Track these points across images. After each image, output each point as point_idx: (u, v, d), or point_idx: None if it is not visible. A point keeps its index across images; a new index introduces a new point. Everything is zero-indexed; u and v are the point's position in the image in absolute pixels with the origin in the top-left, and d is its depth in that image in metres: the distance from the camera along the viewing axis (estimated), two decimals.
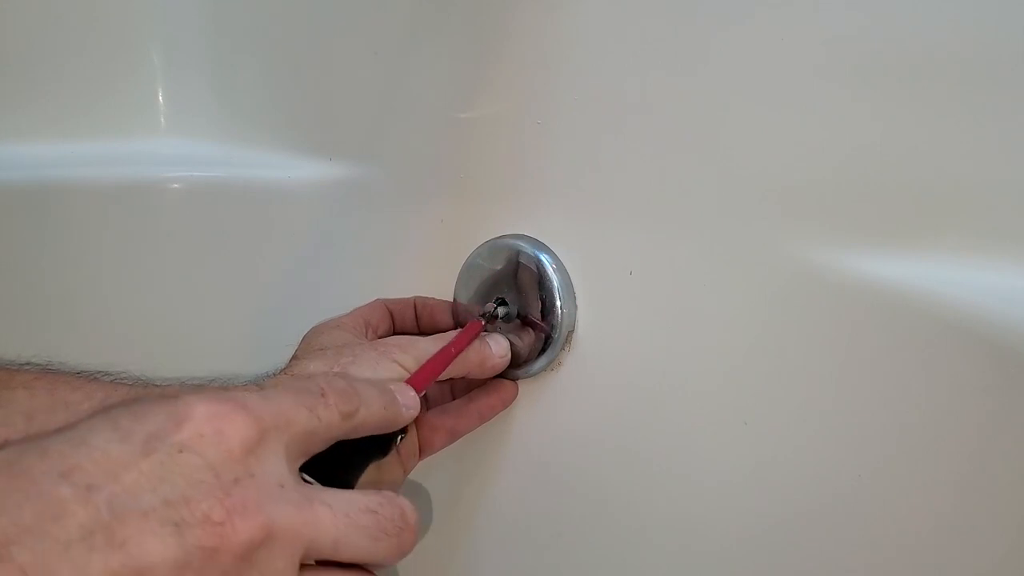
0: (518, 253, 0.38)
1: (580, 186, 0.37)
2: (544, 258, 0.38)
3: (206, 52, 0.53)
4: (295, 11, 0.49)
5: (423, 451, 0.36)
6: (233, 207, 0.48)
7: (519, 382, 0.40)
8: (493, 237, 0.40)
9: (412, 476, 0.36)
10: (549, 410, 0.39)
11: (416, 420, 0.36)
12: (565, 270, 0.38)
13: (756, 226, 0.32)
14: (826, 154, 0.30)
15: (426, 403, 0.39)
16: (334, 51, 0.47)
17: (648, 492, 0.36)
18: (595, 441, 0.38)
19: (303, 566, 0.22)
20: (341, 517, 0.23)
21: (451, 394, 0.40)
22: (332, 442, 0.26)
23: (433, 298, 0.40)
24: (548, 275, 0.37)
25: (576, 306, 0.38)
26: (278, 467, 0.22)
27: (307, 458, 0.25)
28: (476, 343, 0.36)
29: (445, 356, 0.34)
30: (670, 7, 0.33)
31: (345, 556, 0.23)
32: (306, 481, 0.24)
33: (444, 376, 0.34)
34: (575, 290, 0.38)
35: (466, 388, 0.39)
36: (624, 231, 0.36)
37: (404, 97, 0.44)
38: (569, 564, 0.40)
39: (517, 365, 0.38)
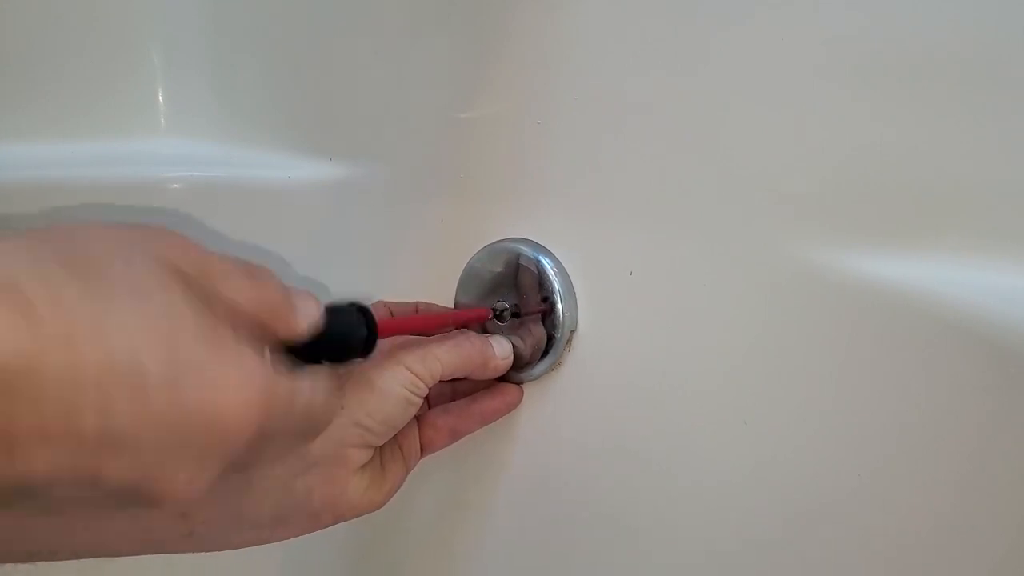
0: (518, 256, 0.38)
1: (580, 186, 0.37)
2: (544, 260, 0.38)
3: (206, 52, 0.53)
4: (295, 11, 0.49)
5: (425, 449, 0.36)
6: (233, 207, 0.48)
7: (521, 385, 0.40)
8: (493, 241, 0.40)
9: (413, 476, 0.36)
10: (550, 411, 0.39)
11: (418, 419, 0.36)
12: (565, 271, 0.38)
13: (756, 226, 0.32)
14: (826, 154, 0.30)
15: (427, 402, 0.39)
16: (334, 51, 0.47)
17: (649, 491, 0.36)
18: (596, 441, 0.38)
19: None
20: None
21: (454, 396, 0.39)
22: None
23: (435, 304, 0.40)
24: (549, 277, 0.37)
25: (577, 307, 0.38)
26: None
27: None
28: (480, 344, 0.36)
29: (440, 319, 0.34)
30: (670, 7, 0.33)
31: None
32: None
33: (447, 376, 0.34)
34: (576, 291, 0.38)
35: (470, 390, 0.39)
36: (624, 231, 0.36)
37: (404, 97, 0.44)
38: (570, 564, 0.40)
39: (519, 367, 0.38)
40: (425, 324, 0.34)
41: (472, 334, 0.37)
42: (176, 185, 0.48)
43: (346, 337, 0.28)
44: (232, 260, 0.24)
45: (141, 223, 0.23)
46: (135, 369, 0.19)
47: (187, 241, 0.23)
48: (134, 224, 0.23)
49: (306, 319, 0.25)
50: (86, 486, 0.19)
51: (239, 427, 0.21)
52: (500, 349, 0.37)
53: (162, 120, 0.54)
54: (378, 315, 0.29)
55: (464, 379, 0.38)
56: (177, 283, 0.21)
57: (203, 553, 0.31)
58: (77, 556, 0.28)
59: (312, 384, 0.25)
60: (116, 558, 0.29)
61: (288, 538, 0.32)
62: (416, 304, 0.40)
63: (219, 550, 0.31)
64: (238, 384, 0.21)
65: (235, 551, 0.32)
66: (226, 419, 0.20)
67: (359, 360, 0.29)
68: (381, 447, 0.33)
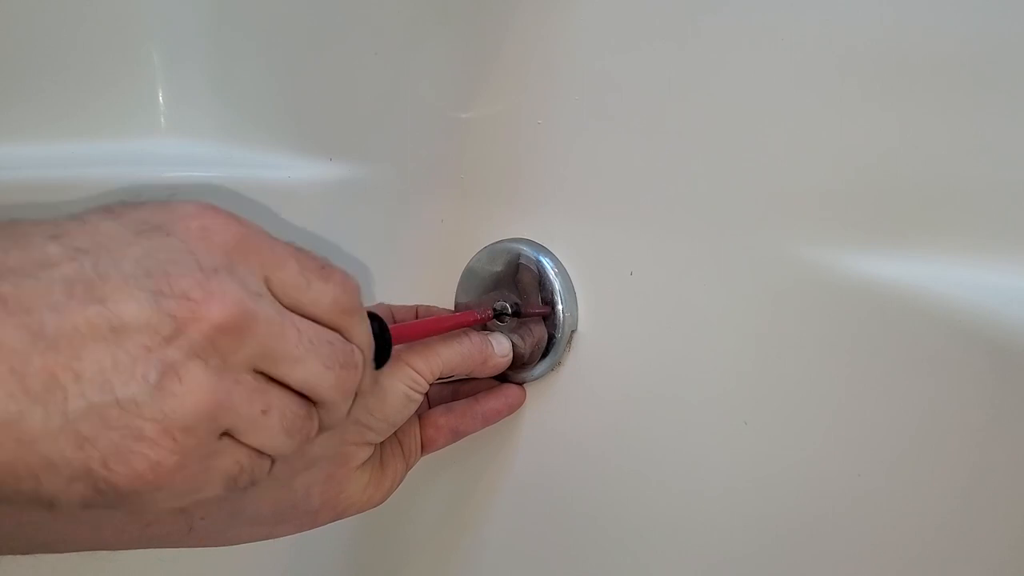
0: (518, 256, 0.38)
1: (580, 186, 0.37)
2: (545, 260, 0.38)
3: (206, 52, 0.53)
4: (295, 11, 0.49)
5: (425, 448, 0.36)
6: (233, 207, 0.48)
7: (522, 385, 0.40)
8: (493, 241, 0.40)
9: (414, 474, 0.36)
10: (551, 410, 0.39)
11: (420, 417, 0.36)
12: (566, 271, 0.38)
13: (756, 226, 0.32)
14: (826, 155, 0.30)
15: (427, 401, 0.39)
16: (334, 51, 0.47)
17: (649, 491, 0.36)
18: (596, 441, 0.38)
19: (255, 372, 0.22)
20: (305, 340, 0.23)
21: (455, 396, 0.39)
22: None
23: (434, 306, 0.40)
24: (549, 277, 0.37)
25: (577, 307, 0.38)
26: (256, 280, 0.23)
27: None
28: (479, 341, 0.36)
29: (445, 322, 0.34)
30: (673, 7, 0.33)
31: (296, 376, 0.23)
32: None
33: (447, 374, 0.34)
34: (576, 291, 0.38)
35: (472, 391, 0.39)
36: (624, 231, 0.36)
37: (404, 97, 0.44)
38: (570, 563, 0.40)
39: (520, 367, 0.38)
40: (432, 329, 0.34)
41: (472, 332, 0.37)
42: (176, 185, 0.48)
43: None
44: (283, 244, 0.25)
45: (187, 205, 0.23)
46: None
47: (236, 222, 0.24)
48: (183, 209, 0.23)
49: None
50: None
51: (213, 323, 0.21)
52: (499, 347, 0.37)
53: (162, 120, 0.54)
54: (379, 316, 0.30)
55: (466, 380, 0.38)
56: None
57: (205, 549, 0.31)
58: (77, 550, 0.28)
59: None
60: (121, 555, 0.29)
61: (288, 535, 0.32)
62: (416, 307, 0.40)
63: (218, 546, 0.31)
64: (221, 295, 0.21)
65: (238, 548, 0.32)
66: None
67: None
68: (381, 445, 0.34)
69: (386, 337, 0.29)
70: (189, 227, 0.22)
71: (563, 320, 0.37)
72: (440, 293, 0.41)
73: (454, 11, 0.41)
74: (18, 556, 0.27)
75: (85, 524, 0.28)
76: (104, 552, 0.29)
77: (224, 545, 0.31)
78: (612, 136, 0.36)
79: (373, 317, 0.29)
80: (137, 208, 0.22)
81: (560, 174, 0.38)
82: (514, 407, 0.39)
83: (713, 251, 0.33)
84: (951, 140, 0.28)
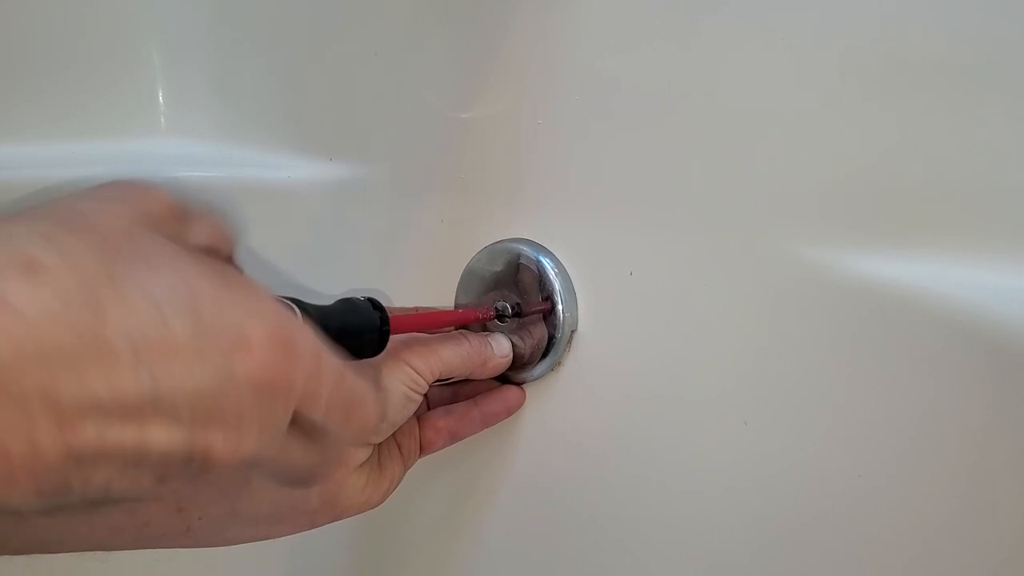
0: (519, 256, 0.38)
1: (580, 186, 0.37)
2: (545, 260, 0.38)
3: (206, 52, 0.53)
4: (295, 11, 0.49)
5: (424, 449, 0.36)
6: (233, 207, 0.48)
7: (522, 385, 0.40)
8: (493, 241, 0.40)
9: (413, 475, 0.36)
10: (551, 411, 0.39)
11: (419, 419, 0.36)
12: (566, 271, 0.38)
13: (757, 226, 0.32)
14: (826, 155, 0.30)
15: (427, 403, 0.39)
16: (334, 51, 0.47)
17: (649, 490, 0.36)
18: (597, 441, 0.38)
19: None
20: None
21: (455, 398, 0.39)
22: None
23: (435, 307, 0.40)
24: (549, 277, 0.37)
25: (577, 307, 0.38)
26: None
27: None
28: (479, 343, 0.36)
29: (444, 317, 0.34)
30: (673, 7, 0.33)
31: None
32: None
33: (447, 375, 0.34)
34: (576, 291, 0.38)
35: (472, 392, 0.39)
36: (624, 231, 0.36)
37: (404, 97, 0.44)
38: (570, 564, 0.40)
39: (520, 367, 0.38)
40: (431, 321, 0.34)
41: (471, 333, 0.37)
42: (176, 185, 0.48)
43: (360, 333, 0.28)
44: (201, 206, 0.24)
45: (118, 180, 0.23)
46: (159, 320, 0.18)
47: (161, 193, 0.23)
48: (114, 184, 0.23)
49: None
50: (135, 459, 0.18)
51: (269, 366, 0.20)
52: (499, 348, 0.37)
53: (162, 120, 0.54)
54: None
55: (466, 380, 0.38)
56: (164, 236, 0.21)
57: (203, 549, 0.31)
58: (73, 550, 0.28)
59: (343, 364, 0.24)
60: (118, 555, 0.29)
61: (286, 535, 0.32)
62: (416, 308, 0.40)
63: (215, 546, 0.31)
64: (254, 314, 0.20)
65: (237, 549, 0.32)
66: (254, 357, 0.20)
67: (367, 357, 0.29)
68: (379, 446, 0.33)
69: (384, 329, 0.29)
70: None
71: (563, 320, 0.37)
72: (440, 293, 0.41)
73: (454, 11, 0.41)
74: (13, 556, 0.27)
75: (81, 524, 0.28)
76: (100, 552, 0.29)
77: (221, 545, 0.31)
78: (612, 136, 0.36)
79: (375, 304, 0.29)
80: None
81: (560, 174, 0.38)
82: (513, 409, 0.39)
83: (713, 251, 0.33)
84: (951, 140, 0.28)
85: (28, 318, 0.16)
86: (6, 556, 0.27)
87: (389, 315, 0.29)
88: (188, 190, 0.25)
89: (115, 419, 0.18)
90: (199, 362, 0.19)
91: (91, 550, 0.29)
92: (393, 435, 0.34)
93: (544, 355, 0.38)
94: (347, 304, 0.28)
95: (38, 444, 0.16)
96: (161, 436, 0.18)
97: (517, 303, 0.38)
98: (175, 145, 0.54)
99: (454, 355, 0.34)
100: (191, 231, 0.23)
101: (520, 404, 0.39)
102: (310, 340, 0.22)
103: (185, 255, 0.21)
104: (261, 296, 0.21)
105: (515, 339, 0.38)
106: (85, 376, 0.17)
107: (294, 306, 0.24)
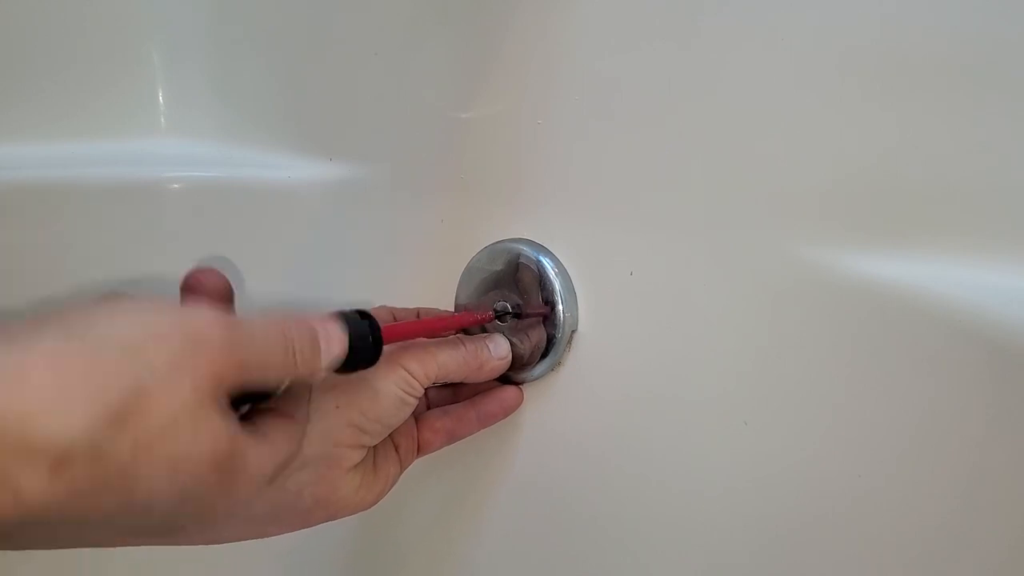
0: (519, 256, 0.38)
1: (580, 186, 0.37)
2: (545, 260, 0.38)
3: (206, 52, 0.53)
4: (295, 11, 0.49)
5: (421, 450, 0.36)
6: (233, 207, 0.48)
7: (522, 385, 0.40)
8: (493, 241, 0.40)
9: (413, 475, 0.36)
10: (551, 411, 0.39)
11: (417, 419, 0.36)
12: (566, 271, 0.38)
13: (756, 226, 0.32)
14: (826, 155, 0.30)
15: (427, 402, 0.39)
16: (334, 51, 0.47)
17: (649, 491, 0.36)
18: (596, 441, 0.38)
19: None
20: None
21: (455, 397, 0.39)
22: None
23: (436, 309, 0.40)
24: (549, 277, 0.37)
25: (577, 307, 0.38)
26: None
27: None
28: (476, 347, 0.36)
29: (442, 322, 0.34)
30: (673, 7, 0.33)
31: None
32: None
33: (443, 378, 0.34)
34: (576, 291, 0.38)
35: (471, 392, 0.39)
36: (624, 231, 0.36)
37: (404, 97, 0.44)
38: (569, 564, 0.40)
39: (520, 368, 0.38)
40: (427, 329, 0.34)
41: (469, 337, 0.37)
42: (176, 185, 0.48)
43: (353, 349, 0.28)
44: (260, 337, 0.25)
45: (187, 315, 0.24)
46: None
47: (227, 354, 0.24)
48: (183, 320, 0.23)
49: (328, 359, 0.27)
50: None
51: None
52: (497, 350, 0.37)
53: (162, 120, 0.54)
54: (381, 320, 0.29)
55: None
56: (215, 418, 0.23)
57: (202, 549, 0.31)
58: (67, 547, 0.28)
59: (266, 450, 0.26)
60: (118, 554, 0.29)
61: (280, 534, 0.32)
62: (417, 310, 0.40)
63: (210, 544, 0.31)
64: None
65: (235, 549, 0.32)
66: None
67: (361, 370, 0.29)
68: (375, 446, 0.33)
69: (376, 336, 0.29)
70: None
71: (563, 320, 0.37)
72: (440, 293, 0.41)
73: (454, 11, 0.41)
74: (9, 552, 0.27)
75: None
76: (99, 550, 0.29)
77: (216, 543, 0.31)
78: (612, 136, 0.36)
79: (364, 315, 0.29)
80: None
81: (560, 174, 0.38)
82: (510, 410, 0.39)
83: (713, 251, 0.33)
84: (951, 140, 0.28)
85: (25, 503, 0.19)
86: (3, 552, 0.27)
87: (383, 324, 0.29)
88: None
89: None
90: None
91: (85, 547, 0.29)
92: (390, 435, 0.34)
93: (544, 355, 0.38)
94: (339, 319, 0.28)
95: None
96: None
97: (517, 303, 0.38)
98: (175, 145, 0.54)
99: (450, 359, 0.34)
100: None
101: (517, 405, 0.39)
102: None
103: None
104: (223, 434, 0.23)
105: (515, 339, 0.38)
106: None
107: None
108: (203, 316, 0.23)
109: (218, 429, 0.23)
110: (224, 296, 0.32)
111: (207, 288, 0.31)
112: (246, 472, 0.25)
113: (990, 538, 0.26)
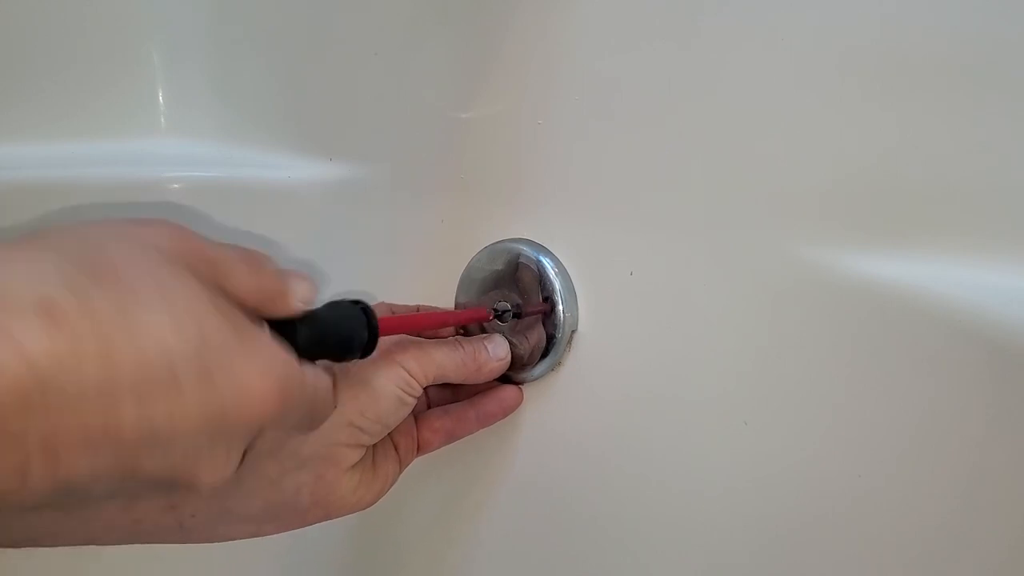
0: (519, 256, 0.38)
1: (580, 185, 0.37)
2: (545, 260, 0.38)
3: (206, 52, 0.53)
4: (295, 11, 0.49)
5: (421, 449, 0.36)
6: (233, 207, 0.48)
7: (522, 385, 0.40)
8: (493, 241, 0.40)
9: (413, 474, 0.36)
10: (551, 411, 0.39)
11: (416, 419, 0.36)
12: (566, 271, 0.38)
13: (756, 226, 0.32)
14: (826, 155, 0.30)
15: (427, 401, 0.39)
16: (334, 51, 0.47)
17: (649, 491, 0.36)
18: (596, 441, 0.38)
19: None
20: None
21: (456, 397, 0.39)
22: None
23: (435, 306, 0.40)
24: (549, 277, 0.37)
25: (577, 307, 0.38)
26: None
27: None
28: (475, 349, 0.36)
29: (441, 318, 0.33)
30: (673, 7, 0.33)
31: None
32: None
33: (441, 379, 0.34)
34: (576, 291, 0.38)
35: (471, 391, 0.39)
36: (624, 231, 0.36)
37: (404, 97, 0.44)
38: (569, 564, 0.40)
39: (520, 368, 0.38)
40: (425, 322, 0.34)
41: (468, 338, 0.37)
42: (176, 185, 0.48)
43: (347, 336, 0.28)
44: (231, 248, 0.25)
45: (141, 218, 0.24)
46: (168, 368, 0.20)
47: (188, 232, 0.24)
48: (136, 220, 0.24)
49: (299, 298, 0.26)
50: (123, 480, 0.20)
51: (263, 412, 0.22)
52: (496, 351, 0.37)
53: (162, 120, 0.54)
54: (379, 313, 0.29)
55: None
56: (190, 277, 0.22)
57: (201, 549, 0.31)
58: (67, 544, 0.28)
59: (315, 377, 0.26)
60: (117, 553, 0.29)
61: (277, 533, 0.32)
62: (417, 307, 0.40)
63: (208, 542, 0.31)
64: (262, 371, 0.22)
65: (234, 548, 0.32)
66: (252, 405, 0.21)
67: (357, 360, 0.29)
68: (374, 446, 0.33)
69: (373, 324, 0.29)
70: None
71: (563, 320, 0.37)
72: (440, 293, 0.41)
73: (454, 11, 0.41)
74: (9, 551, 0.27)
75: (76, 519, 0.28)
76: (99, 548, 0.29)
77: (214, 541, 0.31)
78: (612, 136, 0.36)
79: (361, 305, 0.29)
80: None
81: (560, 174, 0.38)
82: (509, 410, 0.39)
83: (713, 251, 0.33)
84: (951, 140, 0.28)
85: (35, 360, 0.17)
86: (2, 549, 0.27)
87: (380, 316, 0.29)
88: (226, 237, 0.26)
89: (109, 454, 0.19)
90: (199, 409, 0.20)
91: (85, 544, 0.29)
92: (390, 435, 0.34)
93: (544, 355, 0.38)
94: (334, 307, 0.28)
95: (28, 478, 0.18)
96: (151, 466, 0.20)
97: (517, 303, 0.38)
98: (175, 145, 0.54)
99: (449, 359, 0.34)
100: (224, 276, 0.24)
101: (517, 404, 0.39)
102: (302, 385, 0.24)
103: (205, 301, 0.22)
104: (265, 348, 0.23)
105: (515, 339, 0.38)
106: (85, 418, 0.18)
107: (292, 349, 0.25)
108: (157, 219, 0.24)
109: (194, 287, 0.22)
110: None
111: None
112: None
113: (990, 538, 0.26)
